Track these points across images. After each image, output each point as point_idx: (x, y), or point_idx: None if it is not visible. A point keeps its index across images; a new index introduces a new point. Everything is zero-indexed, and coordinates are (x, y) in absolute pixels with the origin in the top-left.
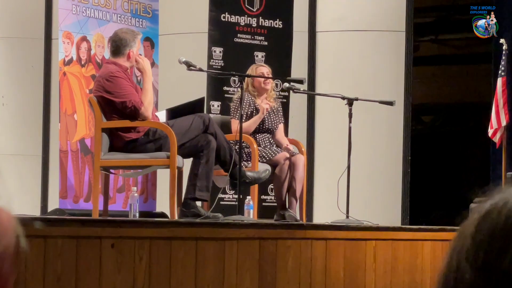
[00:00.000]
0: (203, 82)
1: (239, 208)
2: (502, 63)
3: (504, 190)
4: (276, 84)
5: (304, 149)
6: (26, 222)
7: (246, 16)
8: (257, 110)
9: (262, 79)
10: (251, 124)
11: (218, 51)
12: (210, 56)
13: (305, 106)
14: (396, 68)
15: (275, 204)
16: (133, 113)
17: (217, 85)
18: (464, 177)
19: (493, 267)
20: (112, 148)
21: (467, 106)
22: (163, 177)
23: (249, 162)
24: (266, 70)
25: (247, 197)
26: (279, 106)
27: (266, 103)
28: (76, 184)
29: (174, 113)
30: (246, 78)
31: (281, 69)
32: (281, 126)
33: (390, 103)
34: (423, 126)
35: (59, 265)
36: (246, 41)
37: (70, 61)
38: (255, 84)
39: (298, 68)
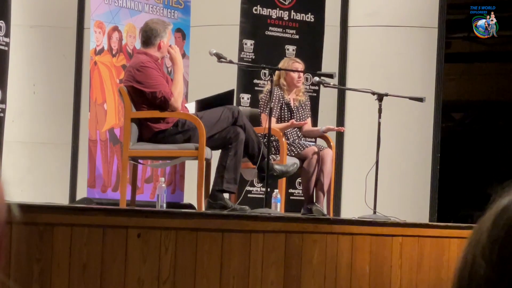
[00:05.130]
0: (234, 74)
1: (266, 201)
2: None
3: None
4: (307, 78)
5: (333, 143)
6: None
7: (278, 9)
8: (287, 105)
9: (296, 77)
10: (281, 128)
11: (249, 43)
12: (241, 49)
13: (335, 101)
14: (427, 65)
15: (303, 198)
16: (163, 103)
17: (247, 78)
18: (494, 175)
19: (508, 262)
20: (141, 139)
21: (498, 104)
22: (191, 168)
23: (278, 155)
24: (300, 66)
25: (275, 190)
26: (307, 100)
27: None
28: (104, 173)
29: (204, 104)
30: (277, 71)
31: (311, 63)
32: (308, 120)
33: (420, 100)
34: (453, 123)
35: (85, 254)
36: (278, 34)
37: (101, 50)
38: (287, 80)
39: (329, 62)
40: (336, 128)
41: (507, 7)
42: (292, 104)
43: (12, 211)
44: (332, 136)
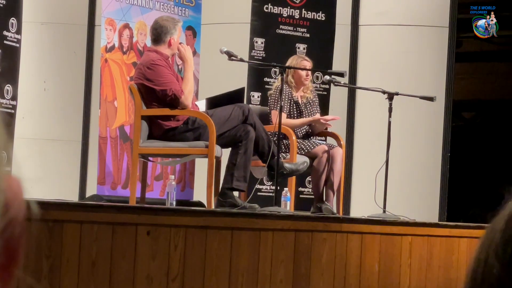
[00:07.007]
0: (244, 73)
1: (276, 200)
2: None
3: None
4: (317, 77)
5: (343, 142)
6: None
7: (289, 7)
8: (296, 103)
9: (304, 74)
10: (297, 124)
11: (260, 42)
12: (251, 47)
13: (346, 99)
14: (438, 64)
15: (312, 196)
16: (173, 101)
17: (257, 76)
18: (504, 175)
19: None
20: (151, 136)
21: (508, 103)
22: (201, 166)
23: (288, 153)
24: (309, 64)
25: (284, 188)
26: (315, 97)
27: (320, 119)
28: (114, 170)
29: (214, 102)
30: (287, 68)
31: (322, 62)
32: (317, 115)
33: (431, 99)
34: (464, 122)
35: (94, 251)
36: (288, 32)
37: (112, 48)
38: (295, 77)
39: (340, 61)
40: (328, 118)
41: None
42: (300, 102)
43: (32, 208)
44: (342, 135)
